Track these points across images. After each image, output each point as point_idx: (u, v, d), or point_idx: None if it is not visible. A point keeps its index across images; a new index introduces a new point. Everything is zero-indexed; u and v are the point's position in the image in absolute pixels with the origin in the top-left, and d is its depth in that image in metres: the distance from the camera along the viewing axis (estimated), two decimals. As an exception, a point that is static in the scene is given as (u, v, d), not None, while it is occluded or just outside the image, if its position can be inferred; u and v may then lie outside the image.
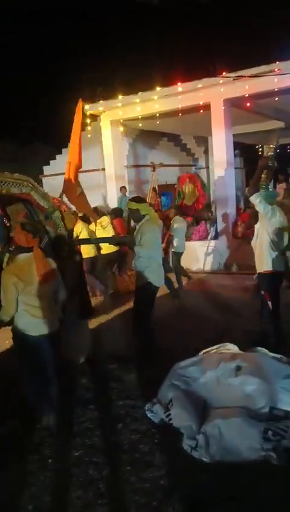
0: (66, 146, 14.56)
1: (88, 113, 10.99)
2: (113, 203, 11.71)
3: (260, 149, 18.29)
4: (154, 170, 10.63)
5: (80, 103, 5.83)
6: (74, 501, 2.78)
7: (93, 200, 10.52)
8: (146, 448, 3.28)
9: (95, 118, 11.82)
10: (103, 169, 12.46)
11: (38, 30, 18.33)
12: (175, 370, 3.90)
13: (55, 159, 14.80)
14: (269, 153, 4.91)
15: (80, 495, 2.83)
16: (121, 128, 11.99)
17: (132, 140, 13.57)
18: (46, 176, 14.71)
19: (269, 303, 4.67)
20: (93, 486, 2.90)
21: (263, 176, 4.78)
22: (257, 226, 4.79)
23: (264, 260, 4.66)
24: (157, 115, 10.59)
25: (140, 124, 11.87)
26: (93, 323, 5.93)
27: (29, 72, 18.49)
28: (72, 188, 5.39)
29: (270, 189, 5.28)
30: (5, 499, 2.84)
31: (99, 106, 11.01)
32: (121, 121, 11.62)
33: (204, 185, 12.97)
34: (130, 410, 3.82)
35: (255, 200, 4.58)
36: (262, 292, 4.80)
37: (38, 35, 18.27)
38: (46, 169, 14.86)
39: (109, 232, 7.98)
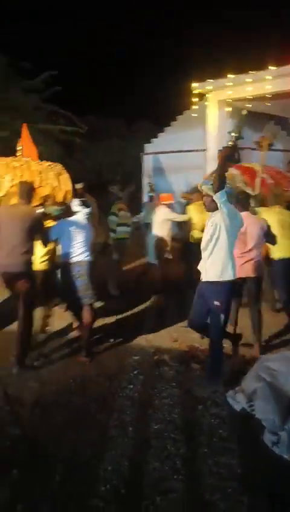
0: (169, 125, 14.58)
1: (195, 92, 10.81)
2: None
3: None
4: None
5: (25, 126, 6.25)
6: (150, 471, 2.87)
7: (193, 182, 10.45)
8: (225, 434, 3.26)
9: (201, 97, 11.59)
10: (205, 149, 12.25)
11: (149, 9, 18.33)
12: (262, 362, 3.80)
13: (157, 137, 14.89)
14: (230, 143, 4.12)
15: (157, 467, 2.90)
16: (228, 109, 11.64)
17: (237, 122, 13.13)
18: (147, 153, 14.89)
19: (221, 315, 3.99)
20: (170, 461, 2.95)
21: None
22: (211, 229, 3.97)
23: (223, 267, 3.94)
24: (269, 96, 10.07)
25: (249, 105, 11.41)
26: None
27: (137, 50, 18.65)
28: None
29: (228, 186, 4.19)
30: (84, 459, 3.00)
31: (208, 85, 10.76)
32: (229, 101, 11.26)
33: None
34: (211, 394, 3.80)
35: (221, 198, 3.80)
36: (216, 303, 3.98)
37: (148, 13, 18.27)
38: (147, 147, 15.02)
39: None
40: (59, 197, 5.28)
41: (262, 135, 9.70)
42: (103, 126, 18.89)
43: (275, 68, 9.53)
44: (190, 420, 3.47)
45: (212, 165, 11.93)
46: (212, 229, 3.94)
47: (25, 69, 12.87)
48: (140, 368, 4.37)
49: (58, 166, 5.74)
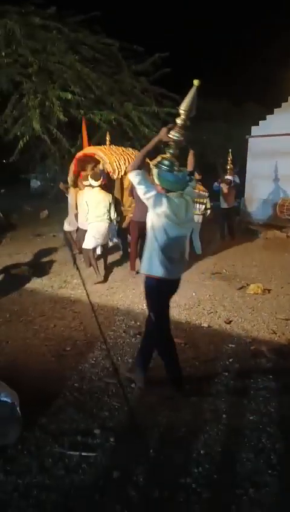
0: (279, 106, 13.84)
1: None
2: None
3: None
4: None
5: (84, 121, 8.26)
6: (243, 461, 2.84)
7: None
8: None
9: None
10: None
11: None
12: None
13: (265, 119, 14.24)
14: (179, 121, 3.32)
15: (250, 458, 2.86)
16: None
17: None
18: (253, 136, 14.34)
19: (151, 313, 3.58)
20: (265, 454, 2.89)
21: (170, 151, 3.38)
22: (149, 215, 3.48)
23: (150, 261, 3.43)
24: None
25: None
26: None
27: (245, 33, 17.84)
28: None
29: (177, 172, 3.40)
30: (178, 438, 3.06)
31: None
32: None
33: None
34: (312, 392, 3.64)
35: (133, 178, 3.36)
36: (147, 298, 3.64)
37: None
38: (254, 130, 14.44)
39: None
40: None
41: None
42: (209, 108, 18.54)
43: None
44: (286, 416, 3.36)
45: None
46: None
47: (136, 52, 13.04)
48: (236, 356, 4.31)
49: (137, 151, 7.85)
